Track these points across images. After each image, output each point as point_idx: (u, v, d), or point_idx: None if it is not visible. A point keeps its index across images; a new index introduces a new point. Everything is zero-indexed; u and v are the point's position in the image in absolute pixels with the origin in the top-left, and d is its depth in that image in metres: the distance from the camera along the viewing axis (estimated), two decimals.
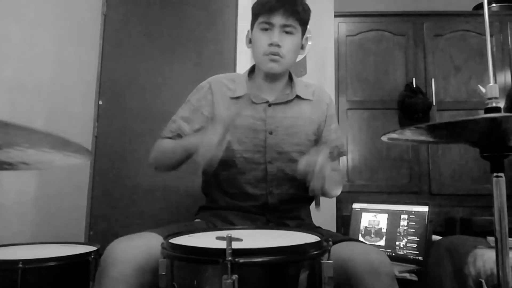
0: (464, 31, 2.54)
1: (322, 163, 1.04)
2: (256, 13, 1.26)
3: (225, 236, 0.69)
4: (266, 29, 1.24)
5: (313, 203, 1.35)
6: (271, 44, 1.22)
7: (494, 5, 2.67)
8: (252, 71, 1.36)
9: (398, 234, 1.64)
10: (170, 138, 1.32)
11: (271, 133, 1.26)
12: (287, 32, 1.24)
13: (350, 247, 1.00)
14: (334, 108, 1.42)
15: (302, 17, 1.26)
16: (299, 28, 1.26)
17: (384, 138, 0.89)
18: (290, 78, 1.36)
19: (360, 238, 1.74)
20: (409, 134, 0.87)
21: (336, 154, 1.39)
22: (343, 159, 2.45)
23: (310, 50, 2.26)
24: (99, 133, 2.26)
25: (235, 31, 2.33)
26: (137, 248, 0.95)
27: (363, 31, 2.58)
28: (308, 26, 1.31)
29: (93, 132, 2.25)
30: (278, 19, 1.22)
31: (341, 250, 0.97)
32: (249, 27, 1.33)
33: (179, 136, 1.30)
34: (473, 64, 2.51)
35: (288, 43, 1.24)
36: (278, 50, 1.23)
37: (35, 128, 0.60)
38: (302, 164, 1.07)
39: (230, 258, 0.68)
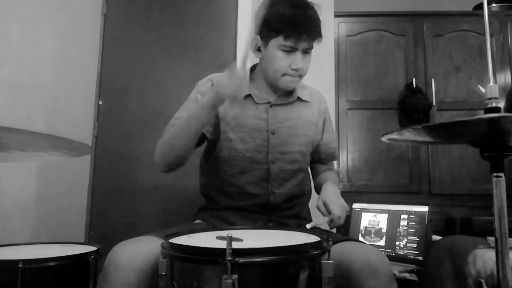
0: (464, 31, 2.54)
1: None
2: (277, 30, 1.19)
3: (225, 236, 0.69)
4: (287, 51, 1.21)
5: (312, 201, 1.36)
6: (294, 69, 1.22)
7: (494, 5, 2.67)
8: (251, 70, 1.36)
9: (398, 234, 1.63)
10: None
11: (273, 133, 1.26)
12: (305, 52, 1.23)
13: (348, 247, 1.00)
14: (329, 111, 1.44)
15: (320, 37, 1.25)
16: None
17: (384, 139, 0.89)
18: None
19: (360, 238, 1.74)
20: (409, 135, 0.87)
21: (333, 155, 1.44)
22: (343, 159, 2.45)
23: None
24: (99, 133, 2.26)
25: (235, 31, 2.33)
26: (139, 253, 0.96)
27: (363, 31, 2.57)
28: None
29: (93, 132, 2.25)
30: (302, 44, 1.20)
31: (340, 250, 0.97)
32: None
33: None
34: (473, 64, 2.51)
35: (306, 62, 1.24)
36: (299, 72, 1.23)
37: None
38: (337, 210, 1.13)
39: (230, 258, 0.68)
